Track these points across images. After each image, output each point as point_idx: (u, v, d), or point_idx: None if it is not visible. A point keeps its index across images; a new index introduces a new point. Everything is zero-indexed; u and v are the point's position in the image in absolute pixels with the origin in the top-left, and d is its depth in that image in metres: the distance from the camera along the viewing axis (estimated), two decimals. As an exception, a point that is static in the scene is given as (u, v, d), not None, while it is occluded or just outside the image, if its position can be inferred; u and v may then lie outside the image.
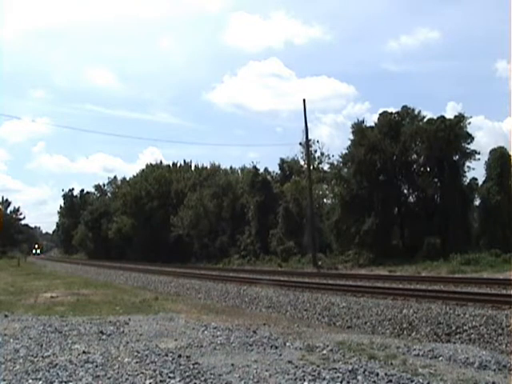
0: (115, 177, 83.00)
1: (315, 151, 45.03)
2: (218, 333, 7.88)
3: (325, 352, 6.41)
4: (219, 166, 58.38)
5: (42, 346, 6.86)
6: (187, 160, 64.42)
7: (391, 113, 33.89)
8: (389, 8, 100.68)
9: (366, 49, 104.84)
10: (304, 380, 5.02)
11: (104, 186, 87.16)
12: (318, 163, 45.53)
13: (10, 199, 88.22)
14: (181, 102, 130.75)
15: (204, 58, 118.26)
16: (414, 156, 33.32)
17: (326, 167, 43.22)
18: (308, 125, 34.29)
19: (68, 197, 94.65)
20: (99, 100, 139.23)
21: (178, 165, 64.25)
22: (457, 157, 31.00)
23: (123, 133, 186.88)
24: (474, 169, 31.20)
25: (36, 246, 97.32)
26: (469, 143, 30.90)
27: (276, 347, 6.75)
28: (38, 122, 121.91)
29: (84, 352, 6.36)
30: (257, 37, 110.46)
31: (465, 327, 9.35)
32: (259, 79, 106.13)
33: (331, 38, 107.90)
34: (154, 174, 60.75)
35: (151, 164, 66.45)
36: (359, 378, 5.07)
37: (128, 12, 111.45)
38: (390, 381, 4.98)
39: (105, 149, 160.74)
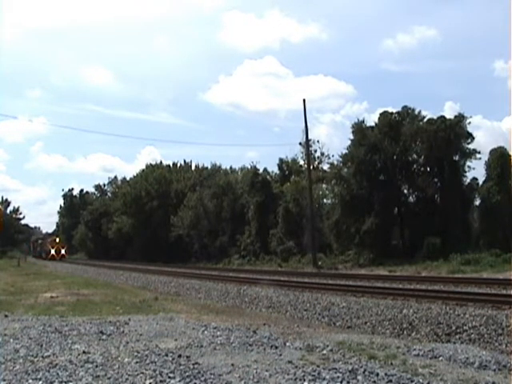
0: (115, 177, 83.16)
1: (315, 151, 45.16)
2: (218, 333, 7.88)
3: (325, 352, 6.41)
4: (220, 166, 58.50)
5: (42, 346, 6.86)
6: (187, 160, 64.58)
7: (391, 113, 33.94)
8: (386, 7, 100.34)
9: (363, 47, 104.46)
10: (304, 380, 5.02)
11: (104, 185, 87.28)
12: (318, 163, 45.62)
13: (9, 199, 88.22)
14: (179, 101, 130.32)
15: (200, 57, 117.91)
16: (414, 156, 33.35)
17: (325, 167, 43.32)
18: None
19: (68, 197, 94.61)
20: (97, 100, 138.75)
21: (178, 165, 64.33)
22: (457, 157, 31.03)
23: (122, 133, 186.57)
24: (474, 169, 31.28)
25: (56, 240, 61.72)
26: (469, 143, 30.96)
27: (276, 347, 6.75)
28: (36, 122, 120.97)
29: (84, 352, 6.36)
30: (252, 36, 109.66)
31: (465, 327, 9.35)
32: (255, 78, 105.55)
33: (328, 36, 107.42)
34: (154, 173, 60.79)
35: (151, 164, 66.54)
36: (359, 377, 5.07)
37: (125, 12, 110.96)
38: (390, 381, 4.98)
39: (103, 149, 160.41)
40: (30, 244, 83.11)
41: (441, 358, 6.19)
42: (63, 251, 59.36)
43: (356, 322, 11.16)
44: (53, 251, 57.81)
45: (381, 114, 33.92)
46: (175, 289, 20.36)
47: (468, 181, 31.29)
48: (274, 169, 48.29)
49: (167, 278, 24.96)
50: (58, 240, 61.77)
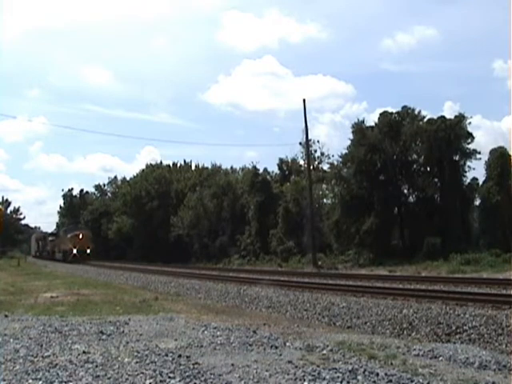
0: (115, 177, 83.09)
1: (315, 151, 45.21)
2: (218, 333, 7.88)
3: (325, 352, 6.40)
4: (220, 166, 58.50)
5: (42, 346, 6.85)
6: (187, 160, 64.57)
7: (391, 113, 33.99)
8: (385, 7, 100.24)
9: (362, 47, 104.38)
10: (304, 380, 5.02)
11: (104, 185, 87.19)
12: (318, 163, 45.66)
13: (9, 199, 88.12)
14: (179, 101, 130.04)
15: (199, 57, 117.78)
16: (414, 156, 33.41)
17: (325, 167, 43.36)
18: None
19: (67, 197, 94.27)
20: (96, 100, 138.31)
21: (178, 165, 64.36)
22: (457, 157, 31.06)
23: (121, 133, 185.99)
24: (474, 169, 31.33)
25: (80, 236, 47.53)
26: (469, 143, 30.99)
27: (276, 347, 6.75)
28: (35, 122, 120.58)
29: (84, 352, 6.36)
30: (251, 35, 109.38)
31: (465, 327, 9.34)
32: (255, 78, 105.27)
33: (327, 36, 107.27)
34: (154, 173, 60.81)
35: (151, 164, 66.55)
36: (359, 377, 5.07)
37: (124, 12, 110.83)
38: (390, 381, 4.98)
39: (103, 149, 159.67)
40: (32, 242, 77.22)
41: (441, 358, 6.18)
42: (88, 251, 47.37)
43: (356, 322, 11.15)
44: (75, 251, 46.02)
45: (381, 114, 33.97)
46: (175, 289, 20.34)
47: (468, 181, 31.36)
48: (273, 169, 48.41)
49: (167, 277, 24.95)
50: (81, 236, 48.08)
